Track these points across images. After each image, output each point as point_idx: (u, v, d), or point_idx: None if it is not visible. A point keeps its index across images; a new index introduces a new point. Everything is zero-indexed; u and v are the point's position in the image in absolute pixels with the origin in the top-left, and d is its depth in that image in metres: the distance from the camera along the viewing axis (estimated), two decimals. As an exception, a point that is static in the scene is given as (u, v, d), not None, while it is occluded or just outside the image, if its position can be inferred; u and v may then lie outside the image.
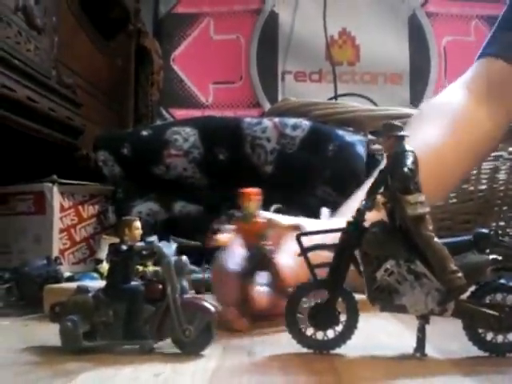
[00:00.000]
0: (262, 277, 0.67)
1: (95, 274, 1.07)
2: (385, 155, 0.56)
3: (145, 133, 1.43)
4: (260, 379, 0.50)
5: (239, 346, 0.61)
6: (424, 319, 0.55)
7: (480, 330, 0.55)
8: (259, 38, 2.67)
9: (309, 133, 1.35)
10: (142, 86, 2.26)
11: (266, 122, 1.38)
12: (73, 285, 0.76)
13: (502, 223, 1.45)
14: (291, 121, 1.37)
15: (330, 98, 2.41)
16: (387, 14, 2.65)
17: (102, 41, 1.88)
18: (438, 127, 0.99)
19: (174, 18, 2.70)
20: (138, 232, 0.58)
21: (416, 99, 2.62)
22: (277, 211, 0.91)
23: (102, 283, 0.61)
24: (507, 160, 1.33)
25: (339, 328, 0.56)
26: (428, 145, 0.94)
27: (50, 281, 0.91)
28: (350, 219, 0.56)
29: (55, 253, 1.23)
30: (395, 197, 0.53)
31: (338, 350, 0.56)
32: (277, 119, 1.38)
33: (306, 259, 0.58)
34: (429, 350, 0.55)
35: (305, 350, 0.57)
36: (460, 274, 0.52)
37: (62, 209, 1.27)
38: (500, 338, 0.54)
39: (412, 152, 0.54)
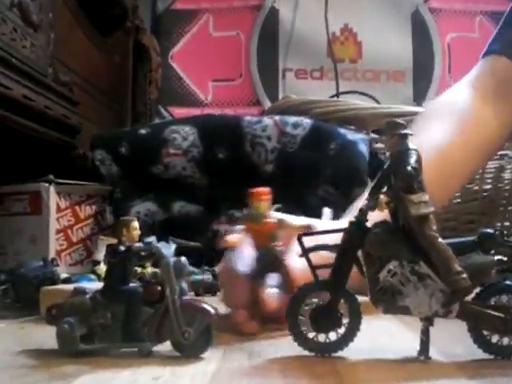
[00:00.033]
0: (273, 278, 0.67)
1: (92, 276, 1.07)
2: (388, 154, 0.56)
3: (143, 131, 1.43)
4: (260, 382, 0.50)
5: (239, 349, 0.61)
6: (428, 321, 0.55)
7: (485, 333, 0.54)
8: (259, 35, 2.67)
9: (310, 131, 1.35)
10: (140, 84, 2.26)
11: (267, 120, 1.38)
12: (70, 286, 0.76)
13: (507, 223, 1.45)
14: (292, 119, 1.37)
15: (332, 96, 2.41)
16: (390, 10, 2.65)
17: (99, 38, 1.88)
18: (444, 127, 0.99)
19: (173, 15, 2.70)
20: (136, 233, 0.58)
21: (419, 97, 2.62)
22: (277, 211, 0.91)
23: (99, 285, 0.61)
24: (512, 159, 1.34)
25: (341, 330, 0.56)
26: (436, 145, 0.94)
27: (46, 282, 0.91)
28: (353, 219, 0.56)
29: (52, 254, 1.23)
30: (398, 196, 0.53)
31: (340, 353, 0.56)
32: (277, 117, 1.38)
33: (308, 260, 0.57)
34: (433, 352, 0.55)
35: (306, 353, 0.56)
36: (464, 275, 0.52)
37: (59, 209, 1.27)
38: (505, 341, 0.54)
39: (415, 150, 0.53)
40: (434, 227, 0.52)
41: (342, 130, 1.36)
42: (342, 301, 0.56)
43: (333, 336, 0.56)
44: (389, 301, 0.54)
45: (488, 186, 1.39)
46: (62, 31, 1.50)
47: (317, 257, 0.58)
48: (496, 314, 0.54)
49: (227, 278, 0.70)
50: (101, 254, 1.13)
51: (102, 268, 1.03)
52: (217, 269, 1.14)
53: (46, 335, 0.60)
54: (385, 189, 0.54)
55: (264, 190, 0.65)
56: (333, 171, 1.32)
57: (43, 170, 1.28)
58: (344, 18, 2.67)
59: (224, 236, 0.69)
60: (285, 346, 0.59)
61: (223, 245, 0.70)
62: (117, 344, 0.57)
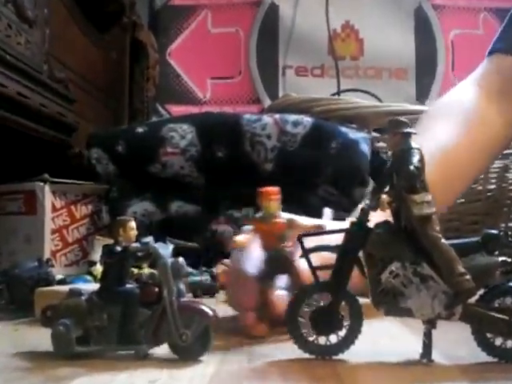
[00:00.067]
0: (282, 280, 0.67)
1: (88, 277, 1.06)
2: (390, 153, 0.56)
3: (140, 130, 1.43)
4: (260, 386, 0.50)
5: (238, 351, 0.61)
6: (430, 323, 0.55)
7: (489, 335, 0.54)
8: (259, 31, 2.67)
9: (310, 130, 1.35)
10: (137, 82, 2.26)
11: (266, 118, 1.38)
12: (65, 288, 0.76)
13: (511, 224, 1.45)
14: (292, 117, 1.37)
15: (333, 94, 2.41)
16: (392, 7, 2.66)
17: (95, 34, 1.88)
18: (450, 127, 1.00)
19: (171, 11, 2.70)
20: (133, 233, 0.58)
21: (422, 95, 2.62)
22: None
23: (95, 286, 0.61)
24: (517, 158, 1.34)
25: (342, 333, 0.56)
26: (441, 146, 0.95)
27: (41, 283, 0.91)
28: (354, 219, 0.56)
29: (47, 254, 1.23)
30: (401, 196, 0.53)
31: (340, 356, 0.56)
32: (277, 116, 1.38)
33: (308, 261, 0.57)
34: (435, 355, 0.55)
35: (306, 356, 0.56)
36: (468, 277, 0.52)
37: (54, 209, 1.27)
38: (510, 344, 0.54)
39: (418, 149, 0.53)
40: (437, 228, 0.52)
41: (343, 129, 1.37)
42: (343, 302, 0.56)
43: (333, 338, 0.56)
44: (391, 303, 0.54)
45: (492, 186, 1.40)
46: (57, 27, 1.50)
47: (319, 257, 0.58)
48: (500, 316, 0.54)
49: (235, 280, 0.70)
50: (97, 255, 1.13)
51: (98, 269, 1.03)
52: (215, 269, 1.15)
53: (40, 337, 0.60)
54: (387, 188, 0.54)
55: (273, 190, 0.65)
56: (334, 171, 1.32)
57: (38, 168, 1.28)
58: (345, 15, 2.67)
59: (231, 237, 0.69)
60: (285, 348, 0.59)
61: (232, 245, 0.70)
62: (113, 346, 0.57)
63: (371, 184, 1.32)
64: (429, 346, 0.55)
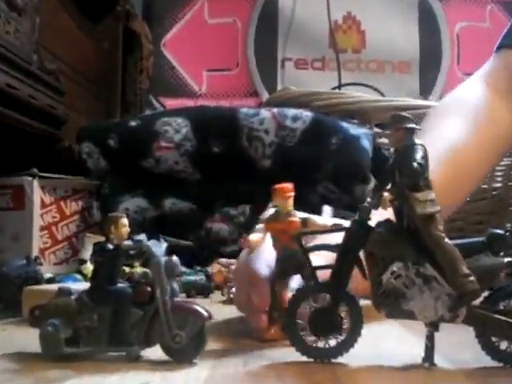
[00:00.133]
0: (295, 281, 0.67)
1: (78, 276, 1.06)
2: (392, 149, 0.56)
3: (133, 123, 1.43)
4: (256, 390, 0.50)
5: (234, 354, 0.61)
6: (433, 326, 0.55)
7: (493, 339, 0.55)
8: (257, 22, 2.67)
9: (310, 125, 1.35)
10: (130, 73, 2.26)
11: (264, 112, 1.38)
12: (54, 287, 0.76)
13: (517, 223, 1.46)
14: (291, 112, 1.37)
15: (334, 88, 2.41)
16: (396, -2, 2.66)
17: (87, 23, 1.88)
18: (459, 126, 1.00)
19: None
20: (125, 230, 0.58)
21: (426, 90, 2.63)
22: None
23: (85, 285, 0.61)
24: (524, 156, 1.34)
25: (342, 335, 0.56)
26: (450, 145, 0.96)
27: (29, 282, 0.91)
28: (355, 217, 0.56)
29: (35, 252, 1.23)
30: (403, 194, 0.53)
31: (340, 359, 0.56)
32: (276, 110, 1.38)
33: (307, 260, 0.58)
34: (438, 359, 0.55)
35: (305, 359, 0.57)
36: (472, 278, 0.52)
37: (43, 204, 1.27)
38: (515, 347, 0.55)
39: (422, 146, 0.53)
40: (441, 227, 0.52)
41: (344, 124, 1.37)
42: (343, 304, 0.56)
43: (333, 341, 0.56)
44: (392, 304, 0.54)
45: (498, 185, 1.40)
46: (47, 16, 1.50)
47: (324, 257, 0.58)
48: (505, 319, 0.54)
49: (246, 280, 0.69)
50: (87, 253, 1.13)
51: (89, 267, 1.03)
52: (210, 269, 1.15)
53: (28, 338, 0.60)
54: (389, 186, 0.54)
55: (288, 187, 0.65)
56: (334, 167, 1.33)
57: (27, 163, 1.28)
58: (347, 6, 2.68)
59: (244, 237, 0.69)
60: (282, 351, 0.59)
61: (245, 245, 0.69)
62: (103, 347, 0.57)
63: (372, 181, 1.32)
64: (431, 350, 0.55)
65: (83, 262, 1.12)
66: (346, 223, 0.57)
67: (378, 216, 0.55)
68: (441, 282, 0.53)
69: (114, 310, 0.57)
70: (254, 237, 0.68)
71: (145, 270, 0.59)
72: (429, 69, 2.66)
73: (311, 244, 0.60)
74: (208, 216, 1.37)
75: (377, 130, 1.41)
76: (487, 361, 0.54)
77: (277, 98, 1.55)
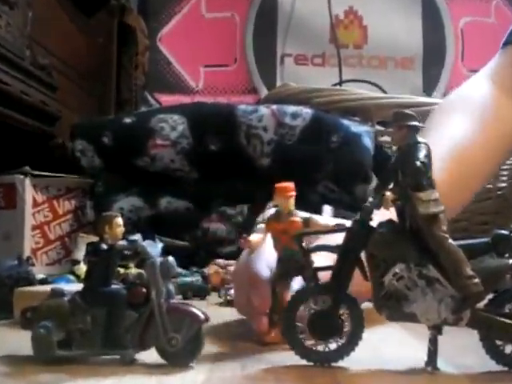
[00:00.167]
0: (297, 282, 0.67)
1: (71, 276, 1.07)
2: (394, 148, 0.56)
3: (128, 120, 1.43)
4: (254, 394, 0.50)
5: (232, 357, 0.61)
6: (436, 329, 0.55)
7: (498, 342, 0.55)
8: (256, 17, 2.67)
9: (310, 122, 1.35)
10: (125, 69, 2.26)
11: (263, 109, 1.38)
12: (46, 288, 0.76)
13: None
14: (291, 109, 1.37)
15: (334, 84, 2.41)
16: (398, -8, 2.66)
17: (80, 17, 1.88)
18: (465, 124, 1.01)
19: (162, -7, 2.70)
20: (120, 230, 0.58)
21: (429, 86, 2.63)
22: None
23: (78, 286, 0.61)
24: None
25: (342, 338, 0.56)
26: (456, 144, 0.96)
27: (21, 283, 0.91)
28: (356, 217, 0.56)
29: (27, 252, 1.23)
30: (406, 194, 0.53)
31: (340, 363, 0.56)
32: (275, 107, 1.38)
33: (308, 261, 0.58)
34: (441, 363, 0.55)
35: (304, 363, 0.57)
36: (476, 280, 0.52)
37: (35, 203, 1.27)
38: (520, 351, 0.55)
39: (425, 144, 0.54)
40: (444, 227, 0.52)
41: (345, 122, 1.37)
42: (344, 306, 0.56)
43: (333, 344, 0.56)
44: (394, 307, 0.54)
45: (503, 184, 1.40)
46: (40, 10, 1.50)
47: (326, 258, 0.58)
48: (510, 322, 0.54)
49: (246, 282, 0.69)
50: (80, 253, 1.13)
51: (82, 268, 1.03)
52: (207, 270, 1.15)
53: (20, 340, 0.60)
54: (391, 185, 0.54)
55: (290, 186, 0.65)
56: (334, 166, 1.33)
57: (19, 160, 1.28)
58: (348, 0, 2.68)
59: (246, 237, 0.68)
60: (281, 355, 0.59)
61: (245, 245, 0.69)
62: (97, 351, 0.57)
63: (374, 181, 1.32)
64: (434, 354, 0.55)
65: (76, 262, 1.12)
66: (349, 223, 0.57)
67: (379, 216, 0.55)
68: (444, 283, 0.53)
69: (108, 312, 0.57)
70: (254, 237, 0.68)
71: (140, 270, 0.59)
72: (432, 65, 2.66)
73: (314, 244, 0.60)
74: (205, 216, 1.37)
75: (379, 127, 1.41)
76: (492, 365, 0.55)
77: (276, 95, 1.55)
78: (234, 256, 0.89)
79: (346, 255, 0.56)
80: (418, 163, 0.52)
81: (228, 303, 0.96)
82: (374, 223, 0.55)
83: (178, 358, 0.56)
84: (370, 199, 0.55)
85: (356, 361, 0.56)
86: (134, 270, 0.65)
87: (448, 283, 0.53)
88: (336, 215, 1.13)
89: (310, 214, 0.66)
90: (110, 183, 1.38)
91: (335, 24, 2.64)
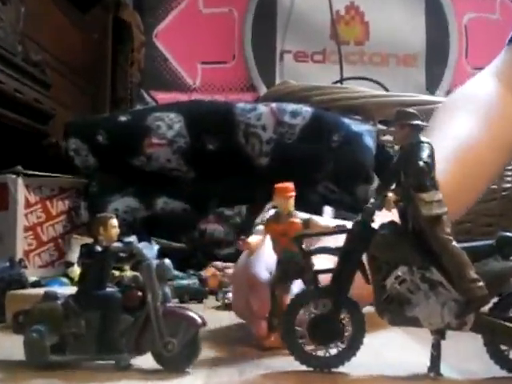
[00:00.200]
0: (297, 285, 0.67)
1: (65, 279, 1.07)
2: (397, 147, 0.56)
3: (123, 118, 1.42)
4: (252, 400, 0.50)
5: (229, 362, 0.61)
6: (439, 334, 0.55)
7: (503, 347, 0.55)
8: (255, 12, 2.67)
9: (310, 121, 1.35)
10: (121, 66, 2.26)
11: (262, 107, 1.38)
12: (39, 291, 0.76)
13: (528, 226, 1.46)
14: (290, 107, 1.37)
15: (335, 82, 2.42)
16: (401, -13, 2.66)
17: (75, 13, 1.88)
18: (470, 123, 1.01)
19: (158, -12, 2.70)
20: (115, 231, 0.58)
21: (433, 84, 2.63)
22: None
23: (72, 289, 0.61)
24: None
25: (343, 343, 0.56)
26: (461, 143, 0.96)
27: (13, 286, 0.91)
28: (357, 219, 0.56)
29: (19, 254, 1.23)
30: (408, 194, 0.53)
31: (341, 369, 0.56)
32: (274, 105, 1.39)
33: (308, 264, 0.58)
34: (444, 369, 0.55)
35: (304, 368, 0.56)
36: (481, 283, 0.52)
37: (28, 204, 1.27)
38: (525, 357, 0.55)
39: (428, 144, 0.53)
40: (448, 229, 0.52)
41: (346, 120, 1.37)
42: (344, 310, 0.56)
43: (333, 349, 0.56)
44: (396, 311, 0.54)
45: (508, 185, 1.40)
46: (33, 5, 1.50)
47: (329, 260, 0.58)
48: (515, 326, 0.54)
49: (245, 285, 0.69)
50: (74, 255, 1.13)
51: (76, 270, 1.03)
52: (204, 273, 1.15)
53: (12, 345, 0.60)
54: (393, 186, 0.54)
55: (289, 186, 0.65)
56: (335, 166, 1.33)
57: (11, 160, 1.28)
58: (350, -5, 2.68)
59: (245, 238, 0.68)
60: (280, 360, 0.59)
61: (244, 247, 0.69)
62: (91, 355, 0.57)
63: (376, 181, 1.32)
64: (437, 359, 0.55)
65: (70, 264, 1.12)
66: (350, 225, 0.57)
67: (381, 217, 0.55)
68: (447, 287, 0.53)
69: (102, 316, 0.57)
70: (253, 239, 0.68)
71: (135, 273, 0.59)
72: (435, 62, 2.66)
73: (315, 246, 0.60)
74: (202, 217, 1.37)
75: (381, 126, 1.41)
76: (496, 370, 0.54)
77: (275, 93, 1.55)
78: (232, 258, 0.89)
79: (347, 257, 0.56)
80: (421, 163, 0.52)
81: (226, 307, 0.96)
82: (375, 225, 0.55)
83: (175, 363, 0.56)
84: (372, 200, 0.55)
85: (357, 366, 0.56)
86: (129, 273, 0.65)
87: (451, 287, 0.53)
88: (337, 216, 1.13)
89: (310, 215, 0.66)
90: (105, 183, 1.38)
91: (336, 20, 2.64)
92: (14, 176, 1.25)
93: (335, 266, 0.56)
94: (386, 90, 2.36)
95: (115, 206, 1.35)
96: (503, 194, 1.40)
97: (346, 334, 0.56)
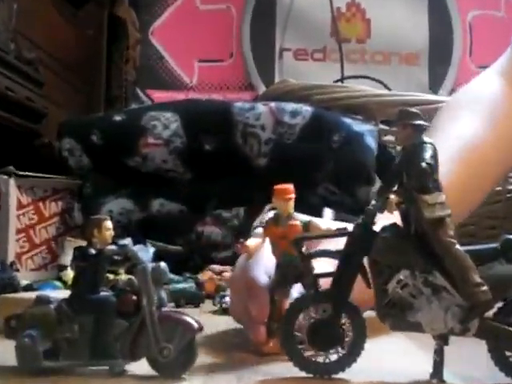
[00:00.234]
0: (297, 290, 0.67)
1: (58, 283, 1.06)
2: (399, 148, 0.56)
3: (118, 118, 1.42)
4: (250, 407, 0.50)
5: (227, 368, 0.61)
6: (442, 339, 0.55)
7: (507, 353, 0.55)
8: (254, 9, 2.67)
9: (310, 120, 1.35)
10: (116, 63, 2.26)
11: (261, 107, 1.38)
12: (31, 295, 0.76)
13: (533, 229, 1.46)
14: (290, 106, 1.37)
15: (336, 81, 2.41)
16: (403, -17, 2.66)
17: (69, 9, 1.88)
18: (475, 122, 1.01)
19: (154, -16, 2.70)
20: (109, 234, 0.58)
21: (436, 83, 2.62)
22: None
23: (65, 293, 0.61)
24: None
25: (343, 349, 0.56)
26: (466, 143, 0.96)
27: (5, 290, 0.91)
28: (358, 221, 0.56)
29: (11, 257, 1.23)
30: (411, 196, 0.53)
31: (341, 375, 0.56)
32: (273, 104, 1.39)
33: (308, 267, 0.58)
34: (447, 375, 0.55)
35: (303, 374, 0.56)
36: (485, 288, 0.52)
37: (20, 205, 1.27)
38: (530, 363, 0.55)
39: (431, 144, 0.54)
40: (451, 232, 0.52)
41: (347, 120, 1.37)
42: (345, 315, 0.56)
43: (333, 355, 0.56)
44: (398, 316, 0.54)
45: (512, 187, 1.40)
46: (26, 1, 1.49)
47: (330, 264, 0.58)
48: (520, 332, 0.54)
49: (244, 289, 0.69)
50: (68, 258, 1.13)
51: (69, 274, 1.03)
52: (201, 276, 1.15)
53: (4, 350, 0.60)
54: (395, 188, 0.54)
55: (289, 188, 0.65)
56: (335, 167, 1.33)
57: (2, 160, 1.28)
58: (351, -8, 2.68)
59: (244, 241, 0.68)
60: (280, 366, 0.59)
61: (242, 250, 0.69)
62: (85, 361, 0.57)
63: (377, 182, 1.32)
64: (440, 365, 0.55)
65: (63, 267, 1.12)
66: (351, 227, 0.57)
67: (383, 220, 0.55)
68: (451, 291, 0.53)
69: (96, 321, 0.57)
70: (251, 242, 0.68)
71: (130, 277, 0.59)
72: (439, 61, 2.66)
73: (315, 249, 0.60)
74: (199, 219, 1.37)
75: (382, 126, 1.42)
76: (501, 377, 0.54)
77: (274, 92, 1.55)
78: (230, 261, 0.89)
79: (348, 261, 0.56)
80: (424, 164, 0.52)
81: (223, 311, 0.96)
82: (377, 227, 0.55)
83: (170, 369, 0.56)
84: (373, 202, 0.55)
85: (358, 372, 0.56)
86: (123, 276, 0.64)
87: (455, 291, 0.53)
88: (337, 218, 1.13)
89: (310, 217, 0.66)
90: (99, 184, 1.38)
91: (337, 17, 2.64)
92: (5, 177, 1.25)
93: (335, 269, 0.56)
94: (388, 89, 2.36)
95: (110, 207, 1.35)
96: (508, 196, 1.40)
97: (347, 339, 0.56)
